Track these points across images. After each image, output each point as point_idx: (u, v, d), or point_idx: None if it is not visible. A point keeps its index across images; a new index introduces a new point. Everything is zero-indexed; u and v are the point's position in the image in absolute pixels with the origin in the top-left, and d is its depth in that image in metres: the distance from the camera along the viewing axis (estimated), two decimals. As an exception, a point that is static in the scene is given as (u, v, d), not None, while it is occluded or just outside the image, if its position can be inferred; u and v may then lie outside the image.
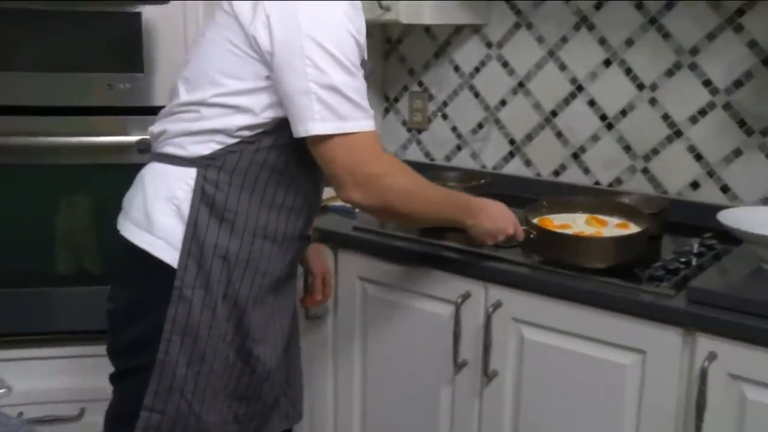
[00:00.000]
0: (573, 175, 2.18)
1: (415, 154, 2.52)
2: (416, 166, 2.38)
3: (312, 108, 1.34)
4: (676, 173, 2.00)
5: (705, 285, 1.43)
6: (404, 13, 2.06)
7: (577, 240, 1.60)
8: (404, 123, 2.53)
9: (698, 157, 1.96)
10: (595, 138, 2.12)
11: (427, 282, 1.75)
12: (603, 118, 2.09)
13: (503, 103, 2.28)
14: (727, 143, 1.91)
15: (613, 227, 1.70)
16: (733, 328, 1.34)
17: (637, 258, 1.58)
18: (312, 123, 1.35)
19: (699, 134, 1.95)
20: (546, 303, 1.56)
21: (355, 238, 1.87)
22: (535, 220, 1.69)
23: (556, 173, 2.21)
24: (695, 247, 1.68)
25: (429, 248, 1.75)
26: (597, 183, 2.14)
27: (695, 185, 1.98)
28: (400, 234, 1.83)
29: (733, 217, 1.56)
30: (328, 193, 2.17)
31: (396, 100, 2.53)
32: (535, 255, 1.63)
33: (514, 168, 2.30)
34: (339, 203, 2.10)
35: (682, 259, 1.61)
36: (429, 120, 2.47)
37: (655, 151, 2.03)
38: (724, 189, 1.93)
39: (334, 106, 1.34)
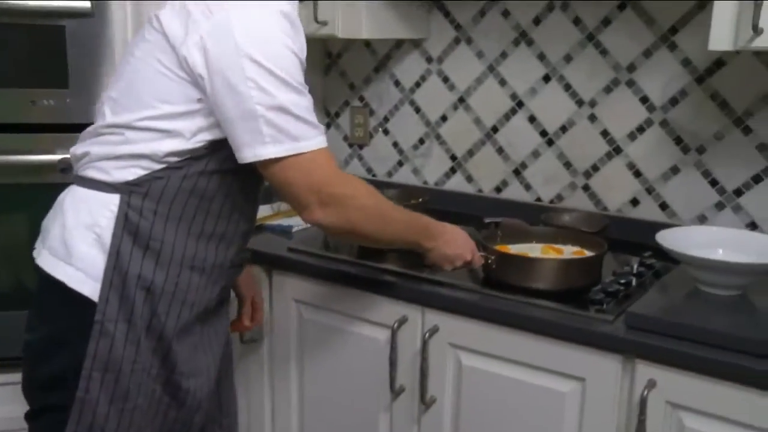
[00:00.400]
0: (514, 192, 2.14)
1: (356, 169, 2.46)
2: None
3: (261, 131, 1.26)
4: (615, 190, 1.98)
5: (643, 310, 1.39)
6: (342, 28, 2.00)
7: (541, 262, 1.56)
8: (345, 138, 2.47)
9: (637, 174, 1.94)
10: (535, 154, 2.09)
11: (363, 305, 1.69)
12: (543, 134, 2.06)
13: (444, 118, 2.24)
14: (664, 160, 1.90)
15: (570, 255, 1.66)
16: (670, 356, 1.30)
17: (580, 280, 1.55)
18: (262, 147, 1.27)
19: (637, 151, 1.93)
20: (484, 328, 1.51)
21: (289, 259, 1.80)
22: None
23: (498, 189, 2.18)
24: (635, 267, 1.65)
25: (366, 271, 1.69)
26: (538, 200, 2.11)
27: (635, 202, 1.96)
28: (336, 256, 1.76)
29: (670, 238, 1.53)
30: (263, 212, 2.11)
31: (337, 115, 2.47)
32: (492, 281, 1.59)
33: (456, 184, 2.25)
34: (276, 222, 2.03)
35: (622, 281, 1.58)
36: (370, 135, 2.41)
37: (595, 168, 2.00)
38: (663, 206, 1.92)
39: (285, 127, 1.27)
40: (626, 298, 1.50)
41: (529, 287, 1.53)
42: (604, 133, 1.97)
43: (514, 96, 2.09)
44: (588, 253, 1.65)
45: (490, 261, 1.55)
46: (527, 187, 2.12)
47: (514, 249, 1.68)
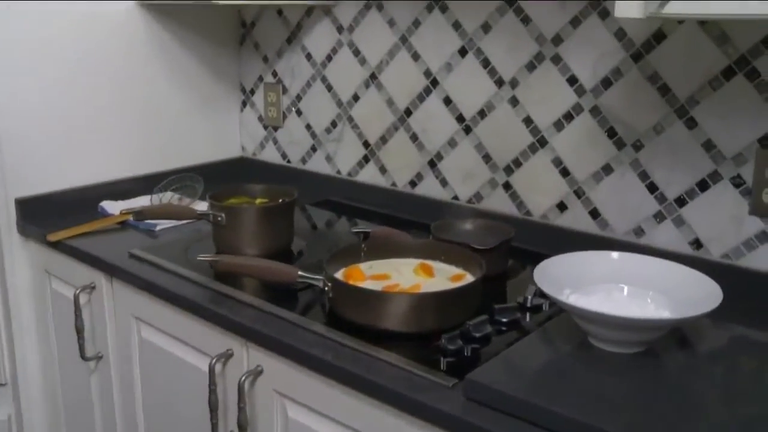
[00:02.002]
0: (430, 187, 1.74)
1: (272, 154, 2.08)
2: (273, 168, 1.87)
3: None
4: (540, 191, 1.56)
5: (491, 377, 0.98)
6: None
7: (377, 297, 1.15)
8: (261, 119, 2.09)
9: (565, 172, 1.52)
10: (452, 143, 1.68)
11: (195, 332, 1.33)
12: (460, 119, 1.65)
13: (356, 98, 1.84)
14: (596, 156, 1.46)
15: (445, 279, 1.26)
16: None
17: (439, 319, 1.15)
18: None
19: (564, 144, 1.50)
20: (310, 377, 1.13)
21: (123, 269, 1.45)
22: (341, 270, 1.27)
23: (413, 184, 1.78)
24: (529, 299, 1.25)
25: (202, 292, 1.33)
26: (455, 198, 1.70)
27: (562, 207, 1.53)
28: (178, 270, 1.40)
29: (557, 269, 1.12)
30: (140, 202, 1.77)
31: (252, 92, 2.09)
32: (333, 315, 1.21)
33: (369, 175, 1.86)
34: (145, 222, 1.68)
35: (504, 319, 1.18)
36: (284, 116, 2.03)
37: (517, 163, 1.58)
38: (594, 213, 1.49)
39: None
40: (495, 349, 1.10)
41: (370, 326, 1.14)
42: (527, 121, 1.54)
43: (428, 73, 1.68)
44: (467, 278, 1.26)
45: (326, 289, 1.18)
46: (443, 182, 1.71)
47: (376, 268, 1.30)
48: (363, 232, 1.42)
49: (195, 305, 1.29)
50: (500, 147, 1.60)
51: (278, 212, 1.47)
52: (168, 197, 1.81)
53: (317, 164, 1.97)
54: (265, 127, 2.08)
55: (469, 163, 1.65)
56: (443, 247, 1.34)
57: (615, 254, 1.17)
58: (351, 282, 1.22)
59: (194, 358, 1.35)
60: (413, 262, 1.32)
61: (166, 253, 1.48)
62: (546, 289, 1.04)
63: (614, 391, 0.96)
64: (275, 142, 2.06)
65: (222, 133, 2.12)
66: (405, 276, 1.28)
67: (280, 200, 1.52)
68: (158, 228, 1.64)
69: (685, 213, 1.36)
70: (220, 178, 2.00)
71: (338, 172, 1.92)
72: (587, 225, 1.50)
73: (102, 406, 1.62)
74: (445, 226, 1.46)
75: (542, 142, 1.53)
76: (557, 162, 1.52)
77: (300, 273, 1.21)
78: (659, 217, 1.39)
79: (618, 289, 1.12)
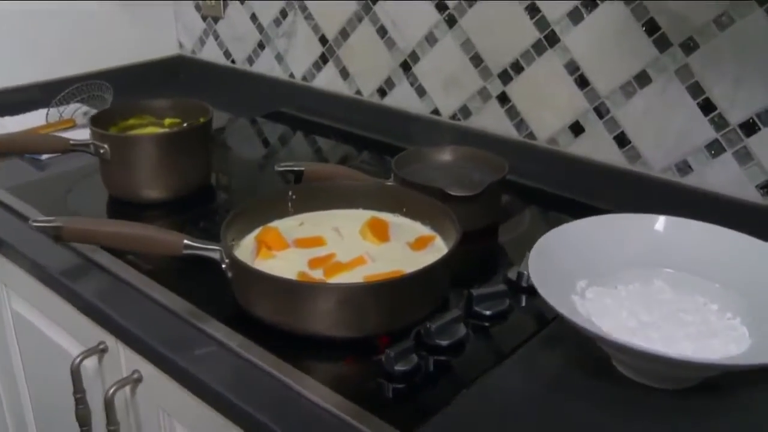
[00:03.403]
0: (403, 97, 1.30)
1: (213, 52, 1.63)
2: (214, 69, 1.42)
3: None
4: (547, 106, 1.12)
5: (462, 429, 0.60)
6: None
7: (274, 285, 0.74)
8: (198, 8, 1.63)
9: (582, 82, 1.08)
10: (430, 40, 1.23)
11: (65, 313, 0.94)
12: (441, 7, 1.19)
13: (308, -23, 1.38)
14: (627, 61, 1.02)
15: (403, 245, 0.85)
16: None
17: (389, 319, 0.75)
18: None
19: (583, 42, 1.06)
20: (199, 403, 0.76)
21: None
22: (253, 233, 0.87)
23: (382, 92, 1.34)
24: (526, 275, 0.83)
25: (67, 256, 0.93)
26: (436, 112, 1.27)
27: (577, 129, 1.11)
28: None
29: (561, 252, 0.71)
30: (33, 120, 1.34)
31: (186, -29, 1.63)
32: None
33: (328, 80, 1.42)
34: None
35: (487, 311, 0.77)
36: (224, 4, 1.56)
37: (517, 68, 1.14)
38: (621, 140, 1.07)
39: None
40: (468, 370, 0.71)
41: (283, 328, 0.75)
42: (532, 9, 1.09)
43: (398, -59, 1.22)
44: (435, 245, 0.85)
45: (225, 266, 0.78)
46: (420, 91, 1.28)
47: (311, 223, 0.89)
48: (293, 171, 0.99)
49: (51, 278, 0.90)
50: (494, 45, 1.15)
51: (182, 141, 1.04)
52: (71, 111, 1.39)
53: (266, 65, 1.53)
54: (204, 18, 1.62)
55: (453, 66, 1.21)
56: (406, 194, 0.92)
57: (660, 221, 0.75)
58: (262, 253, 0.82)
59: (71, 345, 0.98)
60: (362, 216, 0.91)
61: (40, 197, 1.07)
62: (545, 294, 0.64)
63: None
64: (216, 36, 1.61)
65: (154, 25, 1.66)
66: (346, 240, 0.87)
67: (185, 124, 1.09)
68: (45, 157, 1.23)
69: (754, 144, 0.93)
70: (153, 82, 1.58)
71: (291, 75, 1.48)
72: (611, 155, 1.07)
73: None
74: (413, 158, 1.03)
75: (552, 40, 1.09)
76: (572, 67, 1.08)
77: (186, 242, 0.80)
78: (715, 148, 0.97)
79: (662, 277, 0.71)
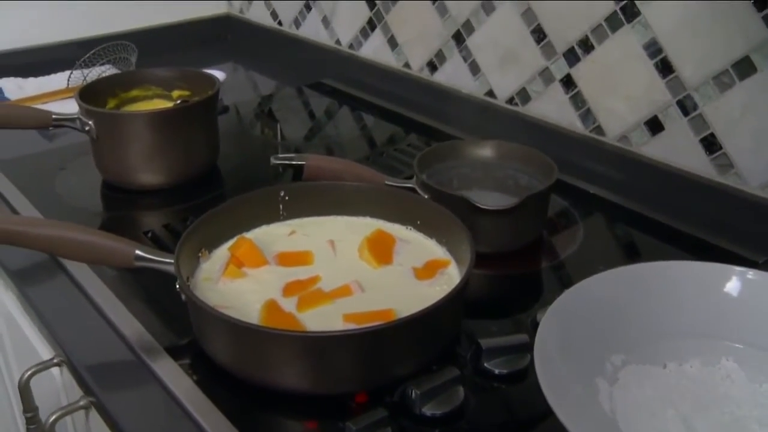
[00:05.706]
0: (454, 73, 1.10)
1: (260, 12, 1.47)
2: (260, 32, 1.38)
3: None
4: (620, 95, 0.90)
5: None
6: None
7: (229, 328, 0.56)
8: (247, -40, 1.47)
9: (665, 67, 0.85)
10: (487, 7, 1.02)
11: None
12: (501, -32, 0.99)
13: (356, -70, 1.19)
14: (723, 42, 0.79)
15: (406, 271, 0.67)
16: None
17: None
18: None
19: (667, 16, 0.82)
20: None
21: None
22: (225, 245, 0.71)
23: (432, 66, 1.15)
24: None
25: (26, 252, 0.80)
26: (490, 94, 1.07)
27: (655, 125, 0.89)
28: (23, 211, 0.88)
29: (583, 316, 0.51)
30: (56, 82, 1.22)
31: None
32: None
33: (374, 50, 1.23)
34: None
35: (497, 371, 0.59)
36: (272, -44, 1.40)
37: (586, 45, 0.92)
38: (709, 143, 0.84)
39: None
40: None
41: (244, 377, 0.59)
42: (608, -27, 0.87)
43: None
44: (448, 273, 0.67)
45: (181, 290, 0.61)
46: (474, 68, 1.07)
47: (303, 233, 0.72)
48: (292, 164, 0.82)
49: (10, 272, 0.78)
50: (560, 16, 0.94)
51: (179, 120, 0.89)
52: (96, 74, 1.27)
53: (312, 28, 1.35)
54: (253, -27, 1.47)
55: (511, 40, 1.00)
56: (420, 203, 0.74)
57: (736, 275, 0.54)
58: (229, 271, 0.66)
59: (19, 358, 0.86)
60: (367, 226, 0.73)
61: (25, 178, 0.95)
62: (542, 376, 0.45)
63: None
64: (264, -6, 1.46)
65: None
66: (339, 258, 0.70)
67: (179, 101, 0.94)
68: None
69: None
70: (196, 44, 1.45)
71: (337, 42, 1.31)
72: (695, 162, 0.85)
73: None
74: (444, 154, 0.84)
75: (630, 12, 0.86)
76: (653, 48, 0.85)
77: (139, 252, 0.65)
78: (834, 163, 0.74)
79: (731, 354, 0.51)
